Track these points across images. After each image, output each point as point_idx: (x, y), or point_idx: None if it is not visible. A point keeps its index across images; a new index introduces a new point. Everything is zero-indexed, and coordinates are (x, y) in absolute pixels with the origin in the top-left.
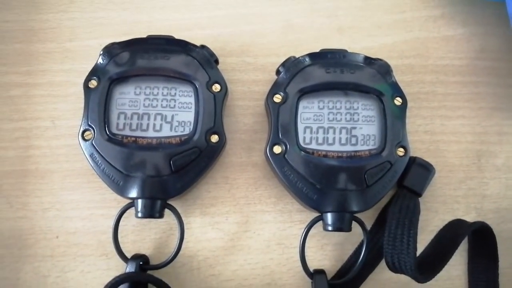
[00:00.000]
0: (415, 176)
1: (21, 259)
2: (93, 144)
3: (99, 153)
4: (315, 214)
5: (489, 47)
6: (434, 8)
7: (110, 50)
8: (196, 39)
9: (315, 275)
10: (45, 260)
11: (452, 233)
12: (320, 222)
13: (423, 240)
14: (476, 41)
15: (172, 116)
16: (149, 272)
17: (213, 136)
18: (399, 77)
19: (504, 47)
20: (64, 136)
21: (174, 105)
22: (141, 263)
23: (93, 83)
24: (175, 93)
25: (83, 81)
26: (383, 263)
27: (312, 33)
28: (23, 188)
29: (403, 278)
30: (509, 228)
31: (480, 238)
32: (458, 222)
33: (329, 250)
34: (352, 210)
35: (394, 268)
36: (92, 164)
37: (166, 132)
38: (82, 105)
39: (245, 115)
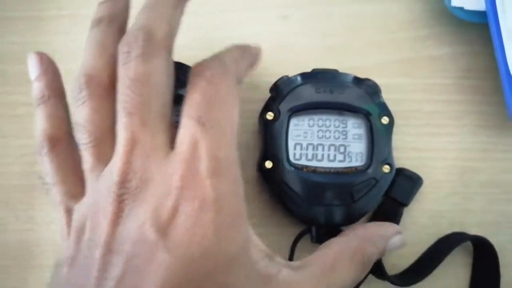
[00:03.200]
0: (400, 187)
1: (27, 270)
2: None
3: None
4: (305, 227)
5: (474, 67)
6: (422, 29)
7: None
8: (191, 60)
9: None
10: (50, 271)
11: (448, 241)
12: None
13: (408, 253)
14: (462, 61)
15: None
16: None
17: None
18: (388, 95)
19: (489, 66)
20: None
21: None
22: None
23: None
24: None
25: None
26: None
27: (305, 52)
28: (29, 202)
29: None
30: (493, 241)
31: (480, 254)
32: (457, 233)
33: None
34: (339, 224)
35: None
36: None
37: None
38: None
39: (239, 132)
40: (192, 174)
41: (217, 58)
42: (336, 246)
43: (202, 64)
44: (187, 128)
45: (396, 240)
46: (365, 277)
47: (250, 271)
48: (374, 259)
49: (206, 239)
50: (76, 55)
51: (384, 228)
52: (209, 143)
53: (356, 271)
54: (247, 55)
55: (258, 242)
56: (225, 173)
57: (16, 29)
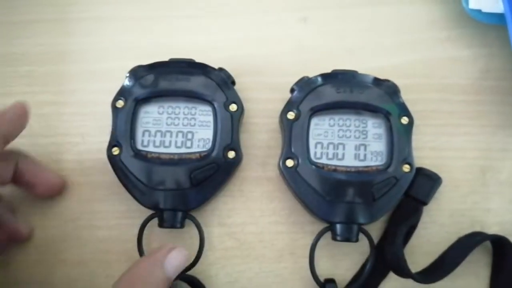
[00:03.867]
0: (420, 186)
1: (54, 265)
2: (120, 160)
3: (126, 167)
4: (326, 225)
5: (493, 68)
6: (441, 30)
7: (136, 73)
8: (214, 61)
9: (326, 284)
10: (75, 266)
11: (468, 241)
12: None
13: (428, 251)
14: (480, 62)
15: (193, 134)
16: None
17: (230, 152)
18: (406, 95)
19: (507, 67)
20: (92, 150)
21: (194, 124)
22: None
23: (120, 103)
24: (195, 112)
25: (109, 99)
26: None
27: (323, 54)
28: (56, 199)
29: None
30: None
31: (500, 253)
32: (477, 233)
33: (342, 259)
34: (359, 222)
35: (392, 267)
36: (119, 178)
37: (186, 148)
38: (109, 122)
39: (260, 132)
40: None
41: None
42: None
43: None
44: None
45: (172, 260)
46: (386, 275)
47: None
48: None
49: None
50: (98, 55)
51: (150, 260)
52: None
53: None
54: None
55: None
56: None
57: (42, 31)
